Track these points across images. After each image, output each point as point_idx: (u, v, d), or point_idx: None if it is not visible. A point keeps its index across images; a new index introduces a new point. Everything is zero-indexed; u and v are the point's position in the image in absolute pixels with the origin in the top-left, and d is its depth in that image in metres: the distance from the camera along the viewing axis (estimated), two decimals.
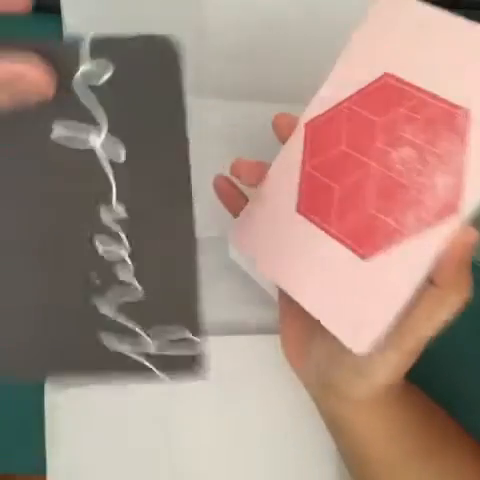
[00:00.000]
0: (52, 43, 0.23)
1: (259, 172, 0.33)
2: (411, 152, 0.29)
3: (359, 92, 0.31)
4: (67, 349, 0.26)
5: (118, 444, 0.42)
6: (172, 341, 0.28)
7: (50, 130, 0.24)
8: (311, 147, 0.32)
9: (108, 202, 0.25)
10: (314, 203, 0.32)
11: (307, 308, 0.31)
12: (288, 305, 0.35)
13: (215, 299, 0.43)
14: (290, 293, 0.32)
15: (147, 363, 0.27)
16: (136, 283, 0.26)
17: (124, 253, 0.26)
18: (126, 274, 0.26)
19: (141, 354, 0.27)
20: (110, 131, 0.24)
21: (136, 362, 0.27)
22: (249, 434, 0.43)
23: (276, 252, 0.33)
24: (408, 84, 0.30)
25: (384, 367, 0.30)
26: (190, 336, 0.28)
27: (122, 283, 0.26)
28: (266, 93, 0.43)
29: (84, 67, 0.23)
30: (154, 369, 0.27)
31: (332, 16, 0.41)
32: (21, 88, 0.22)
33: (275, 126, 0.33)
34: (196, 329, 0.28)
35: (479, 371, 0.45)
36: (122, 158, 0.25)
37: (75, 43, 0.22)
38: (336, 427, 0.35)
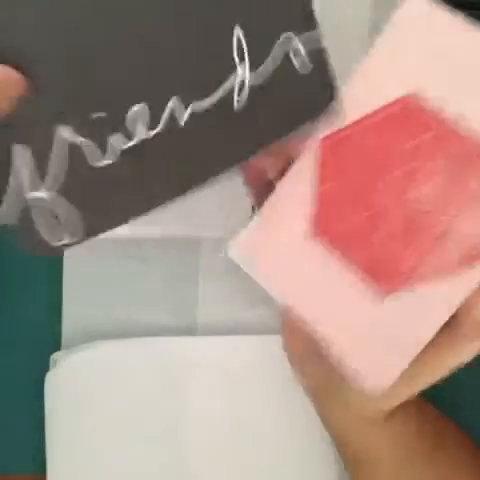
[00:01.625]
0: None
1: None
2: (432, 190, 0.28)
3: (378, 112, 0.29)
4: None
5: (119, 444, 0.42)
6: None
7: (236, 22, 0.27)
8: (326, 167, 0.30)
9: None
10: (330, 230, 0.30)
11: (320, 337, 0.30)
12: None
13: (215, 299, 0.44)
14: (305, 320, 0.31)
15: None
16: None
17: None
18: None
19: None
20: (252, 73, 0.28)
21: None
22: (249, 434, 0.43)
23: (287, 276, 0.31)
24: (431, 110, 0.28)
25: (392, 397, 0.30)
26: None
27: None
28: None
29: (294, 35, 0.27)
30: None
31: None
32: None
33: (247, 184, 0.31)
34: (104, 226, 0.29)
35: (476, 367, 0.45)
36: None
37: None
38: (330, 429, 0.36)
